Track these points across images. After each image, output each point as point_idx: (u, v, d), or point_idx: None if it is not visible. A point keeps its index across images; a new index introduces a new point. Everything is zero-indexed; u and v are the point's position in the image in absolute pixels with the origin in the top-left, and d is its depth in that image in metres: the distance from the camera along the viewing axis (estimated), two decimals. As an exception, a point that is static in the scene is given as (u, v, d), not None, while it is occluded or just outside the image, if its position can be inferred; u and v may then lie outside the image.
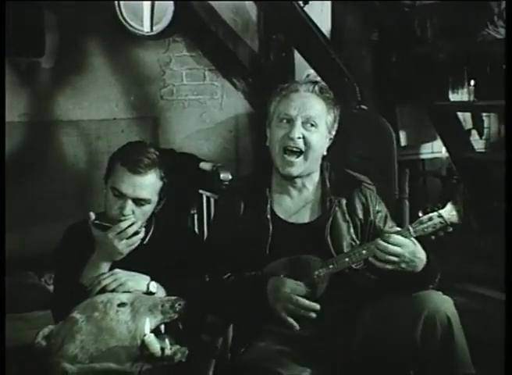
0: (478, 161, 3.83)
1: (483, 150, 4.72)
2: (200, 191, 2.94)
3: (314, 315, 1.85)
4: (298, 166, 2.01)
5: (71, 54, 3.86)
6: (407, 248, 1.84)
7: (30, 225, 3.55)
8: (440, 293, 1.87)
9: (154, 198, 2.15)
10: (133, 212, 2.12)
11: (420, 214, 1.91)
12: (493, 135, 4.92)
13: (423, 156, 4.53)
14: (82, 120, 3.94)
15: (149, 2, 3.25)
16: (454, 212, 1.89)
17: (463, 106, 3.90)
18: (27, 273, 3.36)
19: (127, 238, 2.09)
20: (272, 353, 1.92)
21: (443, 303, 1.84)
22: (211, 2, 4.04)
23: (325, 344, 1.93)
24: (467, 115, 4.49)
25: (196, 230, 2.75)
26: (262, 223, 2.03)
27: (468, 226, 4.23)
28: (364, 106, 3.39)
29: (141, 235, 2.13)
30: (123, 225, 2.09)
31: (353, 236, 2.03)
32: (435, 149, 4.35)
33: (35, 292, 3.25)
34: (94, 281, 2.05)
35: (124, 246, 2.09)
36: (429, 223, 1.88)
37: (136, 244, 2.13)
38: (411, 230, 1.87)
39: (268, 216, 2.03)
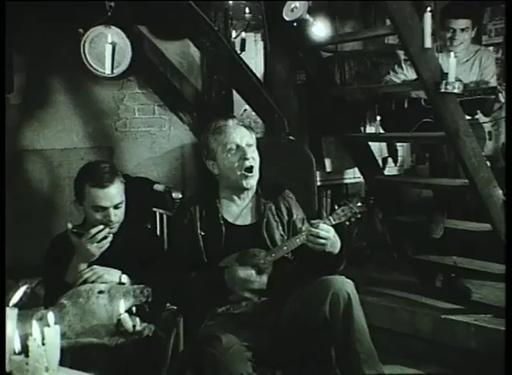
0: (388, 183, 4.16)
1: (397, 174, 4.97)
2: (154, 209, 3.22)
3: (264, 287, 2.35)
4: (254, 178, 2.48)
5: (37, 91, 4.03)
6: (331, 232, 2.35)
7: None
8: (343, 277, 2.36)
9: (124, 198, 2.54)
10: (116, 215, 2.50)
11: (336, 207, 2.44)
12: (406, 162, 5.18)
13: (346, 181, 4.77)
14: (46, 149, 4.10)
15: (111, 49, 3.49)
16: (360, 204, 2.45)
17: (372, 137, 4.20)
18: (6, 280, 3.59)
19: (98, 242, 2.44)
20: (220, 328, 2.33)
21: (345, 284, 2.32)
22: (160, 47, 4.26)
23: (261, 319, 2.39)
24: (384, 145, 4.75)
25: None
26: (216, 227, 2.47)
27: (383, 240, 4.77)
28: (291, 137, 3.73)
29: (109, 239, 2.46)
30: (93, 231, 2.44)
31: (282, 232, 2.52)
32: (356, 175, 4.54)
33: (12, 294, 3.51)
34: (77, 275, 2.42)
35: (96, 249, 2.44)
36: (342, 213, 2.43)
37: (106, 247, 2.46)
38: (331, 219, 2.40)
39: (221, 221, 2.48)
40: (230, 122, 2.53)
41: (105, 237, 2.47)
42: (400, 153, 5.12)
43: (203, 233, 2.48)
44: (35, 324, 1.52)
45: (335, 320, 2.28)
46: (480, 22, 5.37)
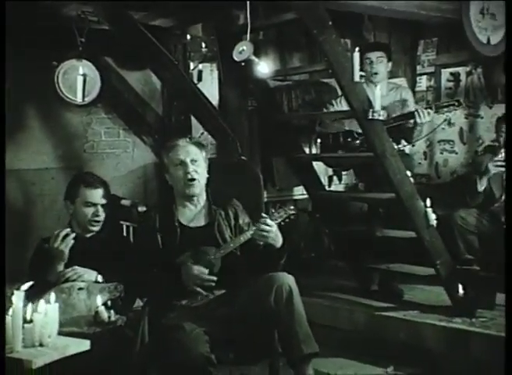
0: (329, 197, 4.61)
1: (342, 191, 5.39)
2: (121, 222, 3.59)
3: (213, 284, 2.76)
4: (196, 187, 2.91)
5: (13, 116, 4.10)
6: (274, 227, 2.79)
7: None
8: (285, 273, 2.78)
9: (106, 203, 3.04)
10: (102, 212, 2.99)
11: (273, 210, 2.89)
12: (350, 180, 5.56)
13: (295, 197, 5.19)
14: (20, 169, 4.30)
15: (82, 79, 3.83)
16: (292, 207, 2.93)
17: (314, 158, 4.61)
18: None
19: (62, 240, 2.84)
20: (181, 318, 2.73)
21: (287, 278, 2.75)
22: (125, 76, 4.59)
23: (215, 312, 2.79)
24: (328, 164, 5.11)
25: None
26: (172, 229, 2.91)
27: (327, 250, 5.22)
28: (243, 157, 4.10)
29: (72, 236, 2.87)
30: (56, 232, 2.88)
31: (229, 233, 2.95)
32: (304, 191, 4.83)
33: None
34: (60, 275, 2.83)
35: (63, 246, 2.84)
36: (278, 214, 2.86)
37: (70, 244, 2.85)
38: (271, 218, 2.82)
39: (176, 224, 2.92)
40: (180, 141, 2.99)
41: (67, 235, 2.88)
42: (344, 172, 5.32)
43: (161, 235, 2.91)
44: (41, 302, 1.95)
45: (279, 308, 2.69)
46: (414, 53, 5.99)
